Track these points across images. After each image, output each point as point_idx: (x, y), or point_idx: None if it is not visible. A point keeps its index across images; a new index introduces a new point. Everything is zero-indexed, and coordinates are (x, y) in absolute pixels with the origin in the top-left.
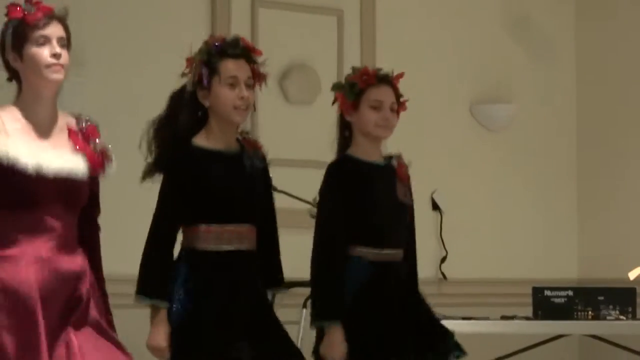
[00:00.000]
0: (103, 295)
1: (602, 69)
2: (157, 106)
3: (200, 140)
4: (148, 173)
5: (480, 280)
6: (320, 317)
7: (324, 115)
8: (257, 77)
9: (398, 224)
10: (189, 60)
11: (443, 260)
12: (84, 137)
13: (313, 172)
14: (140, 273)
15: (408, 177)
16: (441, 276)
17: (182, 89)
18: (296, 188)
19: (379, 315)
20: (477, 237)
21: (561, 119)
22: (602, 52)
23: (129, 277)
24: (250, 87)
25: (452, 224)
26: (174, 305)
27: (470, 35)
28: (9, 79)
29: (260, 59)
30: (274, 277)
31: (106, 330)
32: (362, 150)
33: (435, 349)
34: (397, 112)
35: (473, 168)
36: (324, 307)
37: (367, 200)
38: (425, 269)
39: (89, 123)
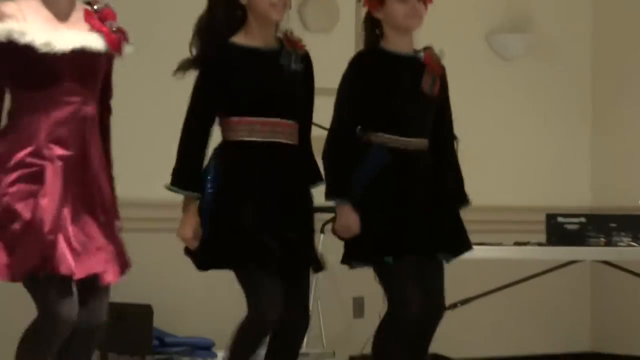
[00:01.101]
0: (110, 179)
1: None
2: (183, 36)
3: (239, 38)
4: (183, 66)
5: (494, 207)
6: (329, 194)
7: (343, 44)
8: None
9: (421, 114)
10: None
11: None
12: (99, 18)
13: (330, 99)
14: (175, 165)
15: (439, 67)
16: None
17: None
18: (314, 115)
19: (393, 203)
20: (492, 164)
21: (576, 48)
22: None
23: (144, 201)
24: None
25: (467, 151)
26: (206, 193)
27: None
28: None
29: None
30: (308, 171)
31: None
32: (392, 44)
33: (446, 249)
34: (425, 3)
35: (489, 96)
36: (333, 185)
37: (389, 87)
38: None
39: (104, 6)
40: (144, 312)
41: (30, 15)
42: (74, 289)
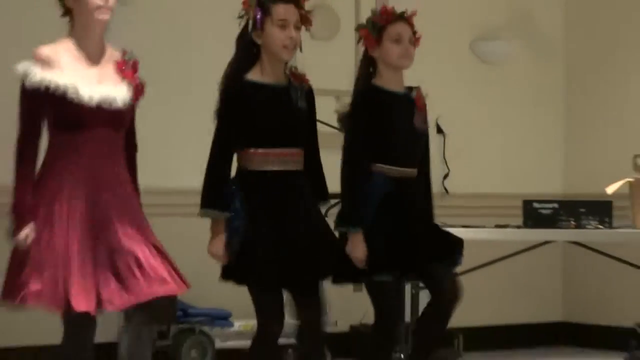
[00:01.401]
0: (139, 204)
1: (589, 6)
2: (198, 38)
3: (253, 75)
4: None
5: (477, 195)
6: (345, 223)
7: (343, 51)
8: (305, 21)
9: (414, 147)
10: (245, 3)
11: (445, 177)
12: (126, 68)
13: (330, 100)
14: (203, 192)
15: (425, 107)
16: (444, 191)
17: (244, 31)
18: (319, 112)
19: (398, 222)
20: (475, 156)
21: (550, 52)
22: None
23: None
24: (298, 28)
25: (454, 145)
26: (229, 218)
27: None
28: (63, 15)
29: (307, 6)
30: (319, 192)
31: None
32: (386, 81)
33: (443, 260)
34: (414, 45)
35: (472, 96)
36: (349, 215)
37: (388, 125)
38: None
39: (133, 58)
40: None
41: (64, 57)
42: (95, 318)
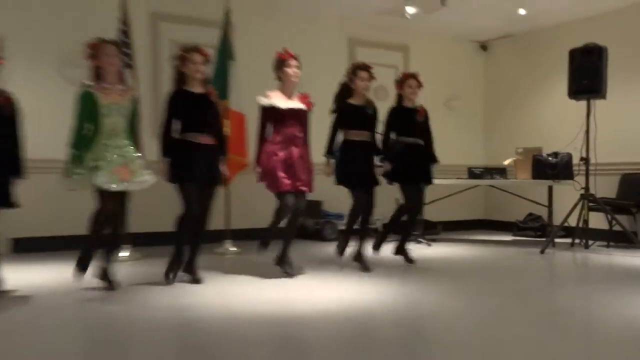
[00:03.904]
0: (309, 156)
1: (501, 77)
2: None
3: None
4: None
5: (448, 165)
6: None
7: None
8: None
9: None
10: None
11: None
12: (302, 98)
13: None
14: (326, 148)
15: (425, 112)
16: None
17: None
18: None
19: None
20: (448, 146)
21: (475, 98)
22: (500, 64)
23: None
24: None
25: (436, 140)
26: (337, 159)
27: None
28: (277, 79)
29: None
30: (377, 150)
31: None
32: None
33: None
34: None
35: (444, 118)
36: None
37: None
38: None
39: (304, 92)
40: (318, 203)
41: (276, 96)
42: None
